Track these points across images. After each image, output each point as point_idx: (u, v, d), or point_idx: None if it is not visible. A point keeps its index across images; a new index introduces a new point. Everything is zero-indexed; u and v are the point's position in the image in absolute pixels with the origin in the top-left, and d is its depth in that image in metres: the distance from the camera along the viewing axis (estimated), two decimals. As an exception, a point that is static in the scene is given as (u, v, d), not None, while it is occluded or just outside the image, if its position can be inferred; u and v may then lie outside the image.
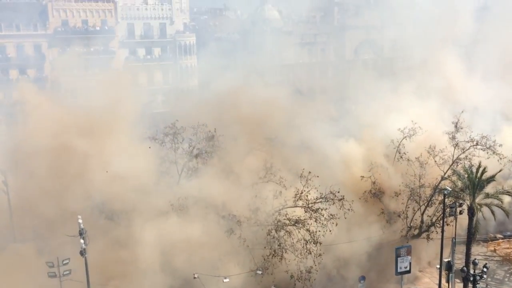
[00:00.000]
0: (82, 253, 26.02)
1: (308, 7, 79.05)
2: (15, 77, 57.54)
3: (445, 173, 36.39)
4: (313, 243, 31.05)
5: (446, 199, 32.68)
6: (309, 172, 32.37)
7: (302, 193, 32.05)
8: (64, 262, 26.51)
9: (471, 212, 33.26)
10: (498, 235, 42.51)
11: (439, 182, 36.31)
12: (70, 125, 33.82)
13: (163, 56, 67.91)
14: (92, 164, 32.03)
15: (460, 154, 36.73)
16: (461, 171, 34.90)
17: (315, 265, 30.99)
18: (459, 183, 34.38)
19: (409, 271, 34.10)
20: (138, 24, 66.92)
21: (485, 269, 32.68)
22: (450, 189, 33.29)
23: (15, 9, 59.87)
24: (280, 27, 72.25)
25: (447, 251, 34.52)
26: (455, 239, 34.44)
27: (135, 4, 67.10)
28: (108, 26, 64.67)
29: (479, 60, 53.14)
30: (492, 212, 33.37)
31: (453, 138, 37.35)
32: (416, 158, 37.09)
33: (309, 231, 31.18)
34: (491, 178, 34.10)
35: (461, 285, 32.48)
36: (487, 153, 35.89)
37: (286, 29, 72.45)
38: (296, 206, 32.27)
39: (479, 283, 30.52)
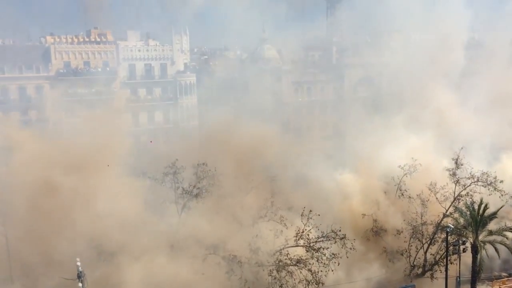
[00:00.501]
0: (80, 296, 25.59)
1: (307, 47, 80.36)
2: (17, 119, 57.90)
3: (447, 210, 36.16)
4: (315, 283, 30.55)
5: (449, 237, 32.33)
6: (310, 211, 32.14)
7: (303, 232, 31.74)
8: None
9: (475, 250, 32.85)
10: (503, 274, 41.75)
11: (441, 220, 36.01)
12: (57, 162, 33.78)
13: (164, 96, 68.54)
14: (82, 203, 31.86)
15: (462, 191, 36.56)
16: (463, 208, 34.67)
17: (318, 307, 30.40)
18: (462, 220, 34.11)
19: (413, 311, 33.40)
20: (139, 64, 67.86)
21: (491, 309, 32.02)
22: (453, 227, 33.00)
23: (18, 51, 60.92)
24: (279, 66, 73.19)
25: (451, 291, 33.89)
26: (459, 278, 33.90)
27: (136, 46, 68.19)
28: (110, 67, 65.56)
29: (471, 94, 54.42)
30: (496, 249, 32.97)
31: (454, 174, 37.28)
32: (417, 195, 36.93)
33: (310, 271, 30.72)
34: (493, 215, 33.88)
35: (468, 325, 31.74)
36: (488, 189, 35.73)
37: (285, 68, 73.38)
38: (298, 246, 31.89)
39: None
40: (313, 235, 32.05)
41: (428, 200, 36.61)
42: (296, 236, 31.81)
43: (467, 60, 59.44)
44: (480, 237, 33.11)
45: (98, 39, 65.86)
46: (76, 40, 64.53)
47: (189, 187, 36.92)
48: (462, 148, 38.59)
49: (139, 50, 67.92)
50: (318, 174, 39.94)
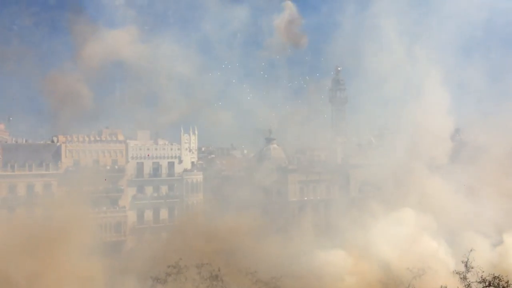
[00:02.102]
0: None
1: (312, 147, 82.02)
2: (22, 216, 57.92)
3: (460, 317, 34.70)
4: None
5: None
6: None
7: None
8: None
9: None
10: None
11: (456, 327, 34.45)
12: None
13: (170, 194, 68.96)
14: None
15: (474, 296, 35.36)
16: (477, 315, 33.29)
17: None
18: (476, 328, 32.61)
19: None
20: (147, 163, 69.04)
21: None
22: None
23: (30, 150, 62.38)
24: (285, 165, 74.19)
25: None
26: None
27: (145, 145, 69.86)
28: (118, 165, 66.69)
29: (463, 180, 56.40)
30: None
31: (464, 278, 36.29)
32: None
33: None
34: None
35: None
36: (501, 294, 34.55)
37: (291, 167, 74.29)
38: None
39: None
40: None
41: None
42: None
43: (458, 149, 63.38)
44: None
45: (109, 138, 67.61)
46: (87, 139, 66.24)
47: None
48: (471, 250, 38.06)
49: (148, 149, 69.49)
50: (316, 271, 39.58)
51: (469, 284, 35.86)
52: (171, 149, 70.97)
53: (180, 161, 70.88)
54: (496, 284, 35.05)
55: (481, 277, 35.77)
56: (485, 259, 39.31)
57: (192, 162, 72.45)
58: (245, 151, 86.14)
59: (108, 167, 65.89)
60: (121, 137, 68.41)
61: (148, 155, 67.74)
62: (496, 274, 35.77)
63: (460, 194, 54.38)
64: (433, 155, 58.61)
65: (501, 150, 59.64)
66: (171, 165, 70.35)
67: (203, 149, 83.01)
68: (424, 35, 65.36)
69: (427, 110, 57.56)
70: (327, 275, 39.47)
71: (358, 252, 42.76)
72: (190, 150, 72.55)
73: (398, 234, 44.03)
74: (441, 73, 59.91)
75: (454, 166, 60.42)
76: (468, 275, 36.33)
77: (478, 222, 49.39)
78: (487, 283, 35.31)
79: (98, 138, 66.95)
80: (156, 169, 69.43)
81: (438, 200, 52.21)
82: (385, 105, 65.99)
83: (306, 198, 72.32)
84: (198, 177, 70.47)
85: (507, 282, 35.05)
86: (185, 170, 70.55)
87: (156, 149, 70.07)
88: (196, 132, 73.00)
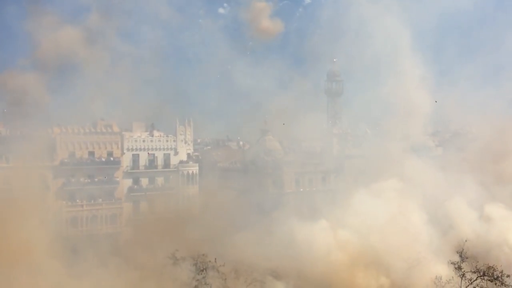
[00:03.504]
0: None
1: (308, 138, 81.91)
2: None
3: (454, 307, 34.94)
4: None
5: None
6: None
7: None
8: None
9: None
10: None
11: (450, 317, 34.69)
12: None
13: (166, 185, 68.87)
14: None
15: (468, 286, 35.54)
16: (471, 304, 33.54)
17: None
18: (470, 318, 32.87)
19: None
20: (143, 154, 68.88)
21: None
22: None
23: (25, 141, 61.90)
24: (281, 157, 74.16)
25: None
26: None
27: (141, 136, 69.66)
28: (114, 157, 66.50)
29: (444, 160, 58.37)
30: None
31: (459, 268, 36.46)
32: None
33: None
34: (503, 311, 32.64)
35: None
36: (496, 284, 34.77)
37: (287, 159, 74.25)
38: None
39: None
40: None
41: (435, 294, 35.59)
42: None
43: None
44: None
45: (104, 130, 67.33)
46: (82, 130, 65.92)
47: (188, 279, 36.18)
48: (466, 240, 38.28)
49: (143, 141, 69.33)
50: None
51: (463, 273, 35.99)
52: (167, 140, 70.85)
53: (176, 153, 70.77)
54: (490, 274, 35.22)
55: (476, 267, 35.97)
56: (470, 230, 39.77)
57: (188, 154, 72.35)
58: (241, 143, 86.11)
59: (103, 159, 65.72)
60: (116, 129, 68.13)
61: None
62: (491, 264, 36.06)
63: (443, 174, 54.84)
64: (410, 133, 59.07)
65: (485, 134, 60.26)
66: (166, 156, 70.26)
67: (198, 140, 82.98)
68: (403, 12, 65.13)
69: (402, 86, 57.79)
70: (309, 252, 39.85)
71: (338, 226, 43.21)
72: (185, 142, 72.42)
73: (380, 205, 44.51)
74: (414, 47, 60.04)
75: (439, 150, 60.88)
76: (463, 265, 36.47)
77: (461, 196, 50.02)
78: (481, 273, 35.49)
79: (93, 130, 66.66)
80: (152, 160, 69.33)
81: (420, 179, 52.62)
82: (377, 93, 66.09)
83: (302, 190, 72.34)
84: (193, 168, 70.44)
85: (502, 271, 35.24)
86: (181, 162, 70.46)
87: (151, 140, 69.92)
88: (192, 124, 72.84)
